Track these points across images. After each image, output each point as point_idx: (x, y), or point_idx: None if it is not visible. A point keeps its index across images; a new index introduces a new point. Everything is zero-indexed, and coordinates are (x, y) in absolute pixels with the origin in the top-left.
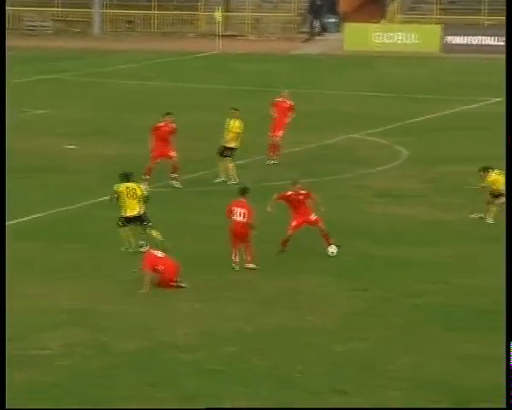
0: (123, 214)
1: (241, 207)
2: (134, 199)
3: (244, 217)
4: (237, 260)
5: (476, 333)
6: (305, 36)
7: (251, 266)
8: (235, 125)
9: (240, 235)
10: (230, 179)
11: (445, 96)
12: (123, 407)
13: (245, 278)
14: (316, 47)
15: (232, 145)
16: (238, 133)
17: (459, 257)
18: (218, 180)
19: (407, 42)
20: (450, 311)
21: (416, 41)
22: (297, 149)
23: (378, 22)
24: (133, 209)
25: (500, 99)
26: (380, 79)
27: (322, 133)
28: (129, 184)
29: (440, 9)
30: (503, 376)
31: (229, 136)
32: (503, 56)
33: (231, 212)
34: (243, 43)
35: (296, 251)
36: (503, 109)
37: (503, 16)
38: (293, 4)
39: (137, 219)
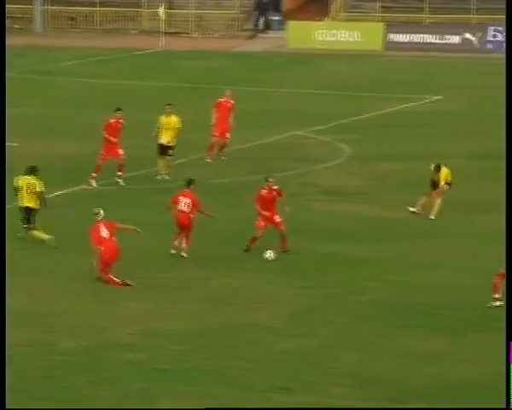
0: (20, 204)
1: (187, 197)
2: (32, 194)
3: (188, 207)
4: (176, 243)
5: (418, 330)
6: (248, 33)
7: (184, 254)
8: (172, 120)
9: (183, 224)
10: (163, 176)
11: (388, 95)
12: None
13: (194, 277)
14: (259, 44)
15: (171, 143)
16: (178, 128)
17: (401, 254)
18: (159, 177)
19: (350, 40)
20: (393, 308)
21: (359, 39)
22: (242, 146)
23: (321, 20)
24: (29, 202)
25: (440, 97)
26: (323, 77)
27: (267, 131)
28: (30, 179)
29: (383, 8)
30: (446, 372)
31: (168, 133)
32: (445, 54)
33: (176, 202)
34: (187, 41)
35: (237, 250)
36: (443, 107)
37: (445, 14)
38: (236, 2)
39: (29, 212)
